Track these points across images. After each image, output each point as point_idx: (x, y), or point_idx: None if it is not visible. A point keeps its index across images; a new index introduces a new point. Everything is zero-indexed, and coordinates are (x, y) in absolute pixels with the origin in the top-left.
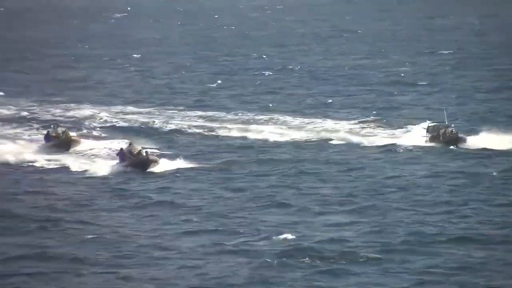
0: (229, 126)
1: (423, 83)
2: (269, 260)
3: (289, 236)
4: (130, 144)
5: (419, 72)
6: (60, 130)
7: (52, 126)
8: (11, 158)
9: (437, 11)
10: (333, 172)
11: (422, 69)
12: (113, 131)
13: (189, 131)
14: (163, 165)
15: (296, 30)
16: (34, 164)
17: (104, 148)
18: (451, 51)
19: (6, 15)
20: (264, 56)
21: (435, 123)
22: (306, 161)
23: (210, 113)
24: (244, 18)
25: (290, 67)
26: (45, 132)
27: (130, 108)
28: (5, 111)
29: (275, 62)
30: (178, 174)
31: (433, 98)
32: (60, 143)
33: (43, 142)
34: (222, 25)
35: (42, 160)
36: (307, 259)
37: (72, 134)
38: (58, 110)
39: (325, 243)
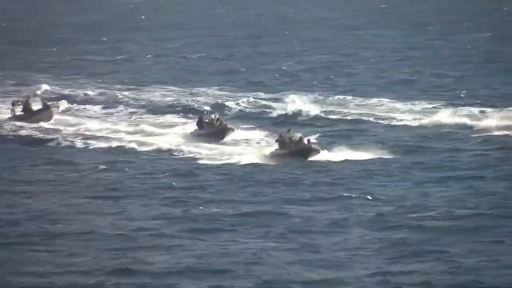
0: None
1: None
2: None
3: None
4: (289, 131)
5: None
6: (213, 116)
7: (205, 112)
8: (171, 147)
9: None
10: None
11: None
12: (257, 119)
13: (334, 117)
14: (324, 155)
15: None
16: (196, 154)
17: (259, 136)
18: None
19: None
20: None
21: None
22: None
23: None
24: None
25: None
26: (196, 119)
27: (261, 95)
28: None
29: None
30: (344, 165)
31: None
32: (214, 130)
33: (196, 129)
34: None
35: (205, 150)
36: None
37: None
38: (200, 98)
39: None
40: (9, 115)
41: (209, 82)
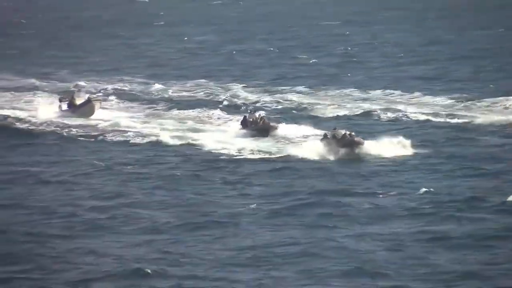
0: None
1: None
2: None
3: None
4: (335, 129)
5: None
6: (257, 115)
7: (249, 111)
8: (215, 147)
9: None
10: None
11: None
12: (295, 115)
13: (373, 111)
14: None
15: None
16: (243, 153)
17: (303, 133)
18: None
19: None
20: None
21: None
22: None
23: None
24: None
25: None
26: (240, 118)
27: (300, 89)
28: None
29: None
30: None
31: None
32: (258, 129)
33: (239, 127)
34: None
35: (250, 148)
36: None
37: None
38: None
39: None
40: (56, 111)
41: (242, 78)
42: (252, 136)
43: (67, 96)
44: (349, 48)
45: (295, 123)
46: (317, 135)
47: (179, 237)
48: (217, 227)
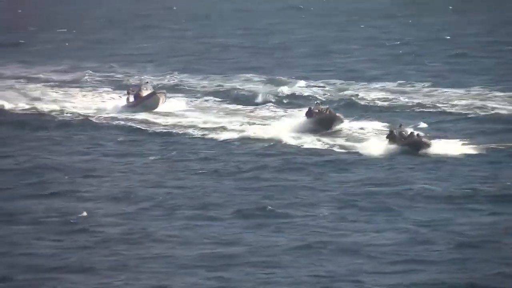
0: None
1: None
2: None
3: None
4: (400, 126)
5: None
6: (323, 106)
7: (315, 102)
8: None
9: None
10: None
11: None
12: (364, 110)
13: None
14: (438, 149)
15: None
16: (308, 145)
17: (367, 128)
18: None
19: None
20: None
21: None
22: None
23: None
24: None
25: None
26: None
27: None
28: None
29: None
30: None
31: None
32: (322, 118)
33: (304, 118)
34: None
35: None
36: None
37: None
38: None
39: None
40: (124, 103)
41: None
42: (316, 125)
43: (134, 88)
44: None
45: (363, 117)
46: (381, 130)
47: None
48: None
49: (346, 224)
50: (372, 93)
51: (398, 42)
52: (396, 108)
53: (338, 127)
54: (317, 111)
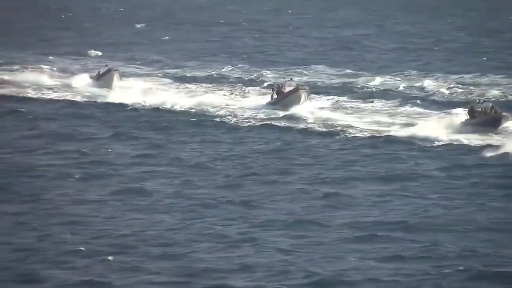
0: None
1: None
2: None
3: None
4: (479, 101)
5: None
6: (486, 105)
7: (477, 101)
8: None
9: None
10: None
11: None
12: None
13: None
14: None
15: None
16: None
17: None
18: None
19: None
20: None
21: None
22: None
23: None
24: None
25: None
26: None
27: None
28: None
29: None
30: None
31: None
32: (488, 119)
33: (467, 119)
34: None
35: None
36: None
37: None
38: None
39: None
40: (269, 100)
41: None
42: (481, 127)
43: (278, 85)
44: None
45: None
46: None
47: None
48: None
49: None
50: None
51: None
52: None
53: (504, 125)
54: (479, 110)
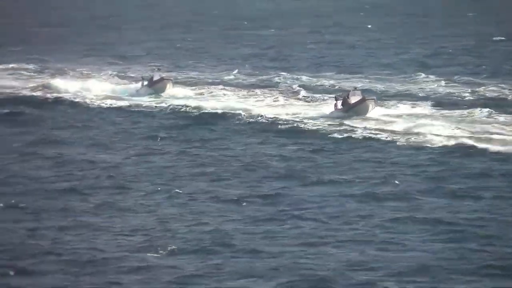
0: None
1: None
2: None
3: None
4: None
5: None
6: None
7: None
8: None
9: None
10: None
11: None
12: None
13: None
14: None
15: None
16: None
17: None
18: None
19: None
20: None
21: None
22: None
23: None
24: None
25: None
26: None
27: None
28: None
29: None
30: None
31: None
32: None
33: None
34: None
35: None
36: None
37: None
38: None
39: None
40: (332, 110)
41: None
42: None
43: (342, 94)
44: None
45: None
46: None
47: None
48: None
49: None
50: None
51: None
52: None
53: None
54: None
